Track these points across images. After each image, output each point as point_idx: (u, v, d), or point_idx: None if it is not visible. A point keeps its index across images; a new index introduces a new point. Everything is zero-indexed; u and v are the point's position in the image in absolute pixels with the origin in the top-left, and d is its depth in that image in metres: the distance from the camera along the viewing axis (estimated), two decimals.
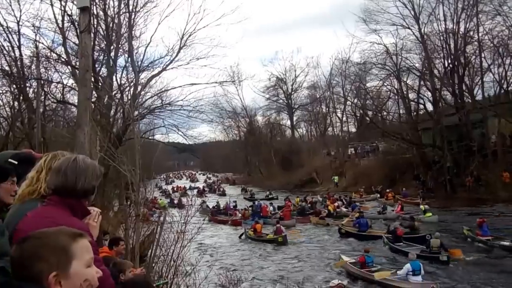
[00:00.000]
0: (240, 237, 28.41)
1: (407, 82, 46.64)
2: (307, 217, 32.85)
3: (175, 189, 72.58)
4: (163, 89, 25.67)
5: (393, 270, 16.58)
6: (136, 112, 15.68)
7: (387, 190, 40.75)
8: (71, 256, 1.70)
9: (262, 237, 26.61)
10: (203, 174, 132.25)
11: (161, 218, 13.58)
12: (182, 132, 26.51)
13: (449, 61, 41.92)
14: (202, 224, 16.30)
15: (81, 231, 1.81)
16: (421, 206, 30.75)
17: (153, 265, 12.34)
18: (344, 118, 68.39)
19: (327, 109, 74.36)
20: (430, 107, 45.34)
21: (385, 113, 54.57)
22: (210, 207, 39.82)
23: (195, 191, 53.98)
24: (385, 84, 47.63)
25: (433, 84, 43.00)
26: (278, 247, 24.32)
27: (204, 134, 71.73)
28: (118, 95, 24.03)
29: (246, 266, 20.61)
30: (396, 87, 47.40)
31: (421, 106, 46.32)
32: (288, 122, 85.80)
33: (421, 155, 44.29)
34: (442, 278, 16.31)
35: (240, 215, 35.24)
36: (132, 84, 23.48)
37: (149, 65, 25.95)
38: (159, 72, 24.94)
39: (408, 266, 15.27)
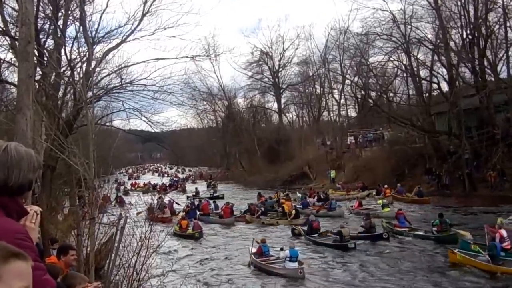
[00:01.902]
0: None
1: (418, 56, 46.96)
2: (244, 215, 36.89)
3: (132, 186, 75.77)
4: (122, 65, 25.51)
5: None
6: (90, 93, 15.57)
7: (385, 186, 41.57)
8: None
9: (184, 233, 30.55)
10: (171, 168, 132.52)
11: (121, 222, 13.56)
12: (146, 118, 26.37)
13: (468, 32, 42.05)
14: (168, 233, 16.91)
15: (20, 252, 1.71)
16: (379, 201, 34.99)
17: (112, 278, 12.33)
18: (342, 101, 68.81)
19: (321, 89, 74.70)
20: (445, 86, 45.72)
21: (391, 94, 54.91)
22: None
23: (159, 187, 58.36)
24: (391, 59, 47.71)
25: (448, 59, 43.15)
26: (224, 246, 27.65)
27: (173, 119, 71.78)
28: (68, 73, 23.86)
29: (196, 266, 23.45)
30: (404, 62, 47.54)
31: (435, 86, 46.64)
32: (275, 105, 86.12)
33: (435, 144, 44.63)
34: (348, 261, 22.03)
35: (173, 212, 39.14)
36: (84, 59, 23.24)
37: (106, 36, 25.79)
38: (118, 45, 24.77)
39: (287, 252, 20.36)
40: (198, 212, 38.67)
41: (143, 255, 12.34)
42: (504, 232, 19.58)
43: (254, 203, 38.59)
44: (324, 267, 21.44)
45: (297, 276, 19.31)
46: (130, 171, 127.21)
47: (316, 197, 41.11)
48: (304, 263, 20.56)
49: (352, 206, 36.85)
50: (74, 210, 16.72)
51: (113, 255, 12.46)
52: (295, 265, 19.87)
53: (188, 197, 54.22)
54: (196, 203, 43.90)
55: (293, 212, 33.74)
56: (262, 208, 36.43)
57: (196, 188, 61.91)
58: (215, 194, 53.73)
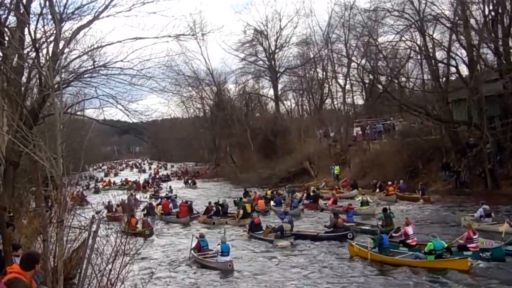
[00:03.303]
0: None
1: (434, 36, 46.94)
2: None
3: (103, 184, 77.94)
4: (95, 46, 25.34)
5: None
6: (57, 78, 15.55)
7: (389, 183, 42.30)
8: None
9: (134, 231, 32.05)
10: (151, 164, 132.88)
11: (93, 225, 13.57)
12: (122, 106, 26.22)
13: (491, 8, 41.91)
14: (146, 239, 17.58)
15: None
16: (359, 198, 38.07)
17: None
18: (348, 86, 68.86)
19: (324, 73, 74.64)
20: (464, 70, 45.81)
21: (403, 78, 54.90)
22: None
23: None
24: (403, 38, 47.62)
25: (468, 39, 43.06)
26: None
27: (154, 108, 71.88)
28: (33, 54, 23.76)
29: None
30: (418, 43, 47.55)
31: (453, 69, 46.56)
32: (271, 92, 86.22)
33: (453, 136, 44.70)
34: (281, 256, 25.38)
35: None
36: (51, 38, 23.19)
37: (76, 12, 25.53)
38: (90, 22, 24.63)
39: (218, 248, 24.07)
40: (160, 211, 43.55)
41: (118, 263, 12.35)
42: (409, 230, 23.83)
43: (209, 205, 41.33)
44: (258, 261, 24.84)
45: (227, 269, 23.16)
46: (104, 167, 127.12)
47: (305, 195, 42.94)
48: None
49: (325, 204, 39.95)
50: (40, 212, 16.70)
51: (84, 263, 12.46)
52: (226, 258, 23.66)
53: (151, 196, 57.80)
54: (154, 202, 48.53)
55: (241, 212, 37.28)
56: (214, 208, 40.00)
57: (159, 186, 66.89)
58: (169, 194, 56.21)
